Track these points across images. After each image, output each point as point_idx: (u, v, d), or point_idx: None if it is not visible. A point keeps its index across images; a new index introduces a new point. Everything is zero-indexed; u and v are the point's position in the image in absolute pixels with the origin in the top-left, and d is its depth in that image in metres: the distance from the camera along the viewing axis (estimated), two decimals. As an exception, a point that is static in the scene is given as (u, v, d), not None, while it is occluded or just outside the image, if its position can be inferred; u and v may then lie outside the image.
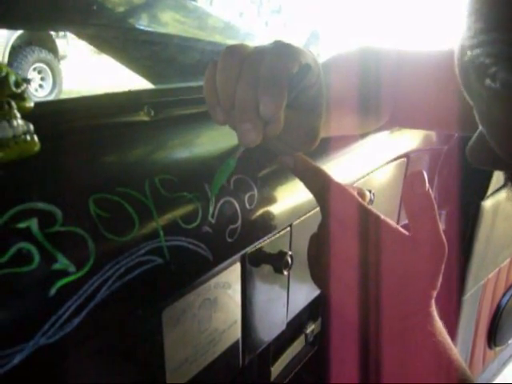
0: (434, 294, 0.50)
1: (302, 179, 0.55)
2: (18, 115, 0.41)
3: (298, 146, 0.54)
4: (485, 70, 0.31)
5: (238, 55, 0.47)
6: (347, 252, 0.51)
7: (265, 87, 0.45)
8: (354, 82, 0.64)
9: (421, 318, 0.49)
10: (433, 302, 0.50)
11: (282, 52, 0.47)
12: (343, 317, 0.53)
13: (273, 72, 0.45)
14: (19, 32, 5.34)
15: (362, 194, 0.58)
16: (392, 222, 0.51)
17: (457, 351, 0.49)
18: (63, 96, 6.34)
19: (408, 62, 0.69)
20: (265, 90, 0.45)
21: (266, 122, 0.47)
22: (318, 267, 0.54)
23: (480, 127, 0.38)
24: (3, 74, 0.40)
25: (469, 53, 0.33)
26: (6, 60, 5.28)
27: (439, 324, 0.50)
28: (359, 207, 0.51)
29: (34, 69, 5.92)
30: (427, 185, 0.50)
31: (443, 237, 0.50)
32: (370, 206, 0.52)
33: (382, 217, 0.51)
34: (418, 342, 0.49)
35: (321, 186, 0.53)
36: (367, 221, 0.50)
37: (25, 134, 0.41)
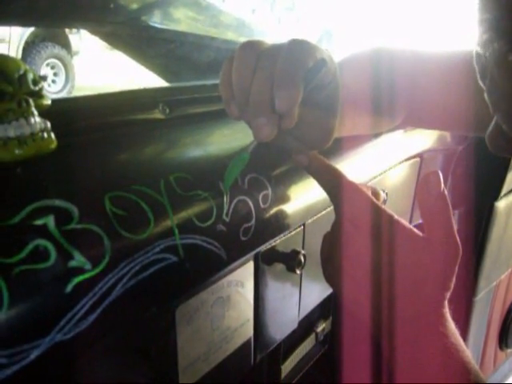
0: (447, 295, 0.50)
1: (315, 177, 0.55)
2: (36, 113, 0.41)
3: (311, 144, 0.54)
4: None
5: (254, 50, 0.47)
6: (360, 251, 0.51)
7: (280, 81, 0.45)
8: (367, 82, 0.64)
9: (433, 318, 0.49)
10: (446, 303, 0.50)
11: (297, 47, 0.47)
12: (355, 316, 0.53)
13: (288, 66, 0.45)
14: (33, 28, 5.37)
15: (375, 194, 0.57)
16: (405, 222, 0.51)
17: (469, 353, 0.49)
18: (76, 91, 6.37)
19: (423, 62, 0.69)
20: (280, 83, 0.45)
21: (280, 116, 0.47)
22: (331, 266, 0.54)
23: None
24: (21, 71, 0.40)
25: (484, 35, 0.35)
26: (19, 55, 5.31)
27: (452, 325, 0.50)
28: (372, 206, 0.51)
29: (47, 64, 5.95)
30: (442, 185, 0.50)
31: (457, 238, 0.50)
32: (383, 206, 0.51)
33: (396, 217, 0.51)
34: (430, 343, 0.49)
35: (334, 184, 0.53)
36: (380, 220, 0.50)
37: (42, 131, 0.41)
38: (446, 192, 0.50)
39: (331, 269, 0.54)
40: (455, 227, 0.50)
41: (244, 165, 0.50)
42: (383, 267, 0.49)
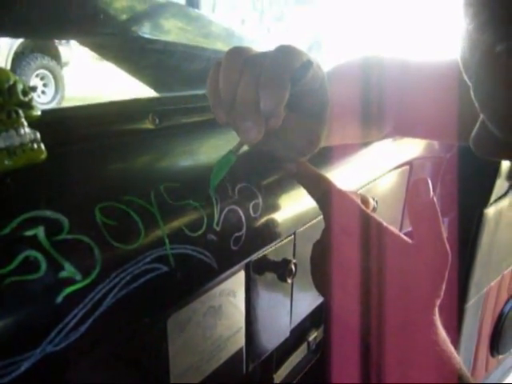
0: (438, 302, 0.50)
1: (304, 186, 0.55)
2: (25, 123, 0.41)
3: (298, 150, 0.54)
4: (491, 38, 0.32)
5: (241, 55, 0.47)
6: (350, 259, 0.51)
7: (265, 81, 0.45)
8: (356, 90, 0.64)
9: (424, 326, 0.49)
10: (436, 310, 0.50)
11: (283, 50, 0.47)
12: (345, 324, 0.53)
13: (274, 67, 0.46)
14: (22, 39, 5.36)
15: (365, 201, 0.58)
16: (395, 230, 0.51)
17: (460, 360, 0.49)
18: (65, 102, 6.35)
19: (412, 71, 0.69)
20: (265, 83, 0.45)
21: (266, 118, 0.47)
22: (321, 274, 0.54)
23: (481, 115, 0.38)
24: (11, 82, 0.40)
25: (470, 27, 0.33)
26: (8, 66, 5.30)
27: (442, 332, 0.50)
28: (362, 214, 0.51)
29: (37, 75, 5.94)
30: (431, 192, 0.50)
31: (447, 245, 0.50)
32: (372, 213, 0.52)
33: (385, 224, 0.51)
34: (421, 351, 0.49)
35: (323, 192, 0.53)
36: (370, 227, 0.50)
37: (32, 142, 0.41)
38: (435, 199, 0.51)
39: (321, 276, 0.54)
40: (445, 234, 0.50)
41: (229, 166, 0.49)
42: (373, 274, 0.50)
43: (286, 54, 0.47)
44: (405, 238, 0.51)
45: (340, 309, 0.53)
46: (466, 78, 0.37)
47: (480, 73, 0.35)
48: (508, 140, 0.36)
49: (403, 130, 0.73)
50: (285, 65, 0.46)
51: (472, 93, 0.36)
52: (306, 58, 0.48)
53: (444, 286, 0.50)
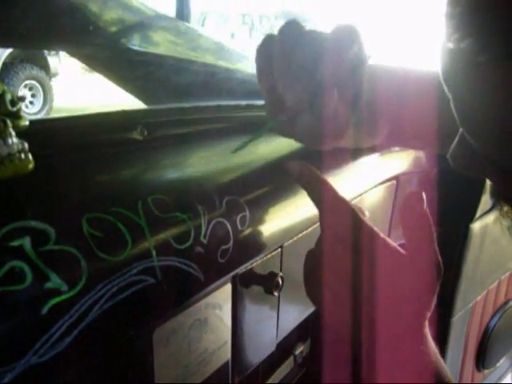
0: (428, 314, 0.50)
1: (304, 188, 0.54)
2: (13, 133, 0.41)
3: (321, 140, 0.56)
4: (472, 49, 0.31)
5: (299, 28, 0.51)
6: (344, 267, 0.51)
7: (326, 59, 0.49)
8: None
9: (415, 338, 0.49)
10: (426, 323, 0.50)
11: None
12: (335, 335, 0.53)
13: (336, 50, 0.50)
14: (11, 49, 5.35)
15: (361, 213, 0.58)
16: (390, 241, 0.51)
17: (450, 373, 0.49)
18: (54, 113, 6.33)
19: (407, 80, 0.69)
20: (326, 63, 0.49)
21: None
22: (313, 282, 0.54)
23: (460, 128, 0.37)
24: (-1, 92, 0.40)
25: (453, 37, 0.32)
26: (-3, 76, 5.29)
27: (432, 345, 0.50)
28: (358, 222, 0.51)
29: (25, 85, 5.92)
30: (425, 204, 0.51)
31: (440, 257, 0.50)
32: (369, 223, 0.52)
33: (382, 235, 0.51)
34: (411, 363, 0.49)
35: (324, 198, 0.53)
36: (365, 237, 0.50)
37: (19, 152, 0.41)
38: (428, 211, 0.51)
39: (313, 284, 0.54)
40: (437, 247, 0.51)
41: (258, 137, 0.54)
42: (366, 285, 0.49)
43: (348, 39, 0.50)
44: (399, 249, 0.51)
45: (331, 318, 0.53)
46: (445, 89, 0.36)
47: (460, 84, 0.34)
48: (488, 155, 0.35)
49: (399, 139, 0.73)
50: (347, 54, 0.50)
51: (452, 105, 0.35)
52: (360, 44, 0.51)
53: (435, 299, 0.50)
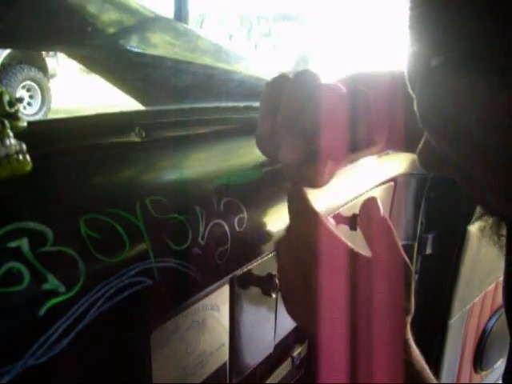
0: (408, 319, 0.49)
1: (292, 217, 0.54)
2: (11, 134, 0.41)
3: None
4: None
5: (312, 81, 0.50)
6: (333, 292, 0.50)
7: (332, 125, 0.49)
8: (345, 111, 0.65)
9: (397, 348, 0.48)
10: (408, 329, 0.49)
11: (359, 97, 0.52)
12: (331, 340, 0.53)
13: (343, 114, 0.50)
14: (9, 50, 5.34)
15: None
16: (354, 247, 0.51)
17: (435, 380, 0.48)
18: (51, 114, 6.33)
19: (402, 85, 0.69)
20: (331, 128, 0.49)
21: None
22: (296, 302, 0.53)
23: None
24: (-3, 93, 0.40)
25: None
26: (-6, 77, 5.28)
27: (416, 353, 0.49)
28: (349, 251, 0.50)
29: (23, 87, 5.91)
30: (381, 209, 0.51)
31: (405, 257, 0.50)
32: (337, 234, 0.51)
33: (343, 239, 0.51)
34: (394, 372, 0.48)
35: (311, 229, 0.52)
36: (356, 264, 0.50)
37: (17, 153, 0.41)
38: (386, 216, 0.51)
39: (297, 305, 0.53)
40: (401, 248, 0.50)
41: (249, 180, 0.54)
42: (338, 295, 0.49)
43: (356, 102, 0.51)
44: (364, 254, 0.50)
45: (325, 350, 0.52)
46: (410, 90, 0.37)
47: (420, 87, 0.35)
48: (447, 156, 0.36)
49: (397, 144, 0.73)
50: (354, 117, 0.51)
51: (415, 106, 0.36)
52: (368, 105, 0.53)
53: (413, 301, 0.50)
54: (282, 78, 0.52)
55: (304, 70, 0.52)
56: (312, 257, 0.50)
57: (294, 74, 0.51)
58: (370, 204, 0.52)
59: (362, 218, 0.52)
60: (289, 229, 0.54)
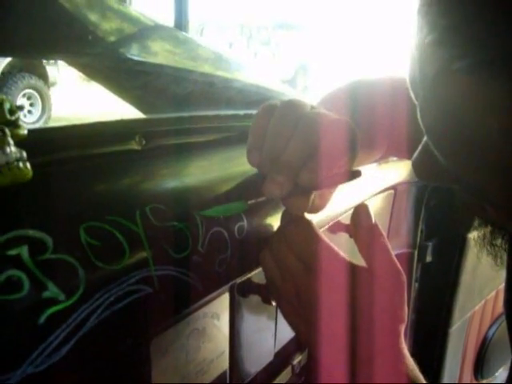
0: (402, 328, 0.49)
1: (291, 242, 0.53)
2: (12, 142, 0.41)
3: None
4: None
5: (296, 112, 0.49)
6: (306, 290, 0.50)
7: (316, 158, 0.48)
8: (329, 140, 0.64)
9: (390, 356, 0.48)
10: (402, 338, 0.49)
11: (337, 126, 0.50)
12: (330, 349, 0.53)
13: (328, 148, 0.48)
14: (10, 58, 5.36)
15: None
16: (346, 257, 0.51)
17: None
18: (52, 122, 6.34)
19: (402, 91, 0.69)
20: (316, 160, 0.48)
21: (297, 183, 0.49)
22: (291, 310, 0.53)
23: (424, 136, 0.36)
24: (-2, 101, 0.40)
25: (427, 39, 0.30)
26: (-5, 85, 5.30)
27: (410, 362, 0.48)
28: (349, 267, 0.50)
29: (24, 95, 5.92)
30: (372, 216, 0.51)
31: (398, 265, 0.49)
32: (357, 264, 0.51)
33: (336, 250, 0.51)
34: (390, 382, 0.48)
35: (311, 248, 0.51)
36: (357, 278, 0.49)
37: (18, 161, 0.41)
38: (377, 222, 0.51)
39: (293, 317, 0.53)
40: (393, 255, 0.50)
41: (236, 212, 0.52)
42: (334, 306, 0.49)
43: (341, 133, 0.49)
44: (356, 263, 0.50)
45: (325, 361, 0.52)
46: (412, 96, 0.35)
47: (428, 92, 0.32)
48: (448, 166, 0.34)
49: (398, 151, 0.72)
50: (339, 149, 0.49)
51: (418, 113, 0.34)
52: (354, 137, 0.50)
53: (406, 309, 0.49)
54: (269, 107, 0.51)
55: (289, 99, 0.51)
56: (302, 266, 0.50)
57: (280, 103, 0.50)
58: (360, 211, 0.52)
59: (353, 225, 0.52)
60: (277, 238, 0.53)
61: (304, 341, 0.53)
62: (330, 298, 0.49)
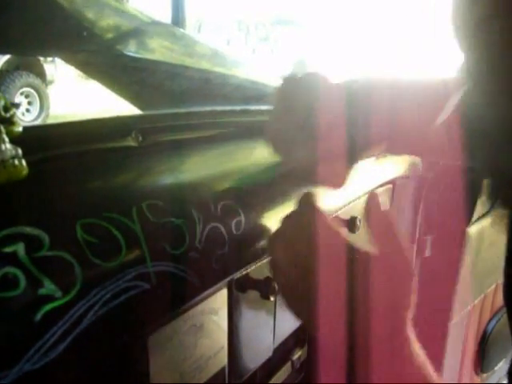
0: (409, 314, 0.49)
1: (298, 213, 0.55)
2: (7, 139, 0.41)
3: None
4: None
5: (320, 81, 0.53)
6: (334, 287, 0.50)
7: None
8: (343, 116, 0.64)
9: (397, 342, 0.48)
10: (408, 325, 0.49)
11: None
12: (330, 342, 0.53)
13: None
14: (7, 56, 5.35)
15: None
16: (358, 244, 0.51)
17: (436, 376, 0.48)
18: (50, 120, 6.33)
19: (402, 90, 0.69)
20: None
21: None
22: (297, 297, 0.53)
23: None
24: (-8, 98, 0.40)
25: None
26: (-8, 83, 5.29)
27: (417, 348, 0.48)
28: (347, 246, 0.51)
29: (22, 93, 5.92)
30: (381, 205, 0.52)
31: (407, 254, 0.50)
32: (340, 232, 0.51)
33: (345, 236, 0.51)
34: (396, 367, 0.48)
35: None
36: (356, 258, 0.50)
37: (13, 158, 0.41)
38: (388, 212, 0.51)
39: (298, 299, 0.53)
40: (404, 244, 0.50)
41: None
42: (344, 292, 0.49)
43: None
44: (370, 252, 0.50)
45: (323, 337, 0.52)
46: (456, 42, 0.36)
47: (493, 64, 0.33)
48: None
49: (396, 148, 0.73)
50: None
51: (465, 62, 0.35)
52: None
53: (413, 298, 0.50)
54: (292, 80, 0.53)
55: (313, 71, 0.53)
56: (310, 250, 0.50)
57: (304, 75, 0.52)
58: (374, 198, 0.52)
59: (368, 211, 0.52)
60: (287, 222, 0.53)
61: (307, 327, 0.53)
62: (336, 282, 0.49)
